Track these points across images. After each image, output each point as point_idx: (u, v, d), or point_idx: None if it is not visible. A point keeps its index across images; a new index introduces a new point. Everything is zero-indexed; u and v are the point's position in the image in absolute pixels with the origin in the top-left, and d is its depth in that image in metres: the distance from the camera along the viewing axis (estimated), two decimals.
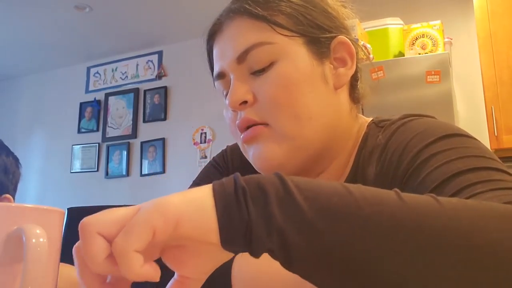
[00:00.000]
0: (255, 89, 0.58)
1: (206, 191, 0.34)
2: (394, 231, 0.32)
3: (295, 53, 0.58)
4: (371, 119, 0.65)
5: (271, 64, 0.57)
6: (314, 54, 0.59)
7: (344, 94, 0.63)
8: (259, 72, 0.58)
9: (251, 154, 0.59)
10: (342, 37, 0.61)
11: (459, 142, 0.49)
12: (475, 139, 0.51)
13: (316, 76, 0.58)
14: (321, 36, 0.60)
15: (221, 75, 0.61)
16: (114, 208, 0.35)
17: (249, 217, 0.32)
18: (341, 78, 0.61)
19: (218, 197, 0.33)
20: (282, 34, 0.57)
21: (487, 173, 0.43)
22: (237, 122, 0.59)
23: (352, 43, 0.62)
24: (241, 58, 0.58)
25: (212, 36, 0.64)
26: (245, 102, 0.58)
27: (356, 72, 0.64)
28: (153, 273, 0.32)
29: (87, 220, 0.32)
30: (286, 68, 0.57)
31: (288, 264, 0.33)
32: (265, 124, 0.57)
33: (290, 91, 0.56)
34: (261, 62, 0.57)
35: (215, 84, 0.64)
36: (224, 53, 0.60)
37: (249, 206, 0.32)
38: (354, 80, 0.65)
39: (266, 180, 0.34)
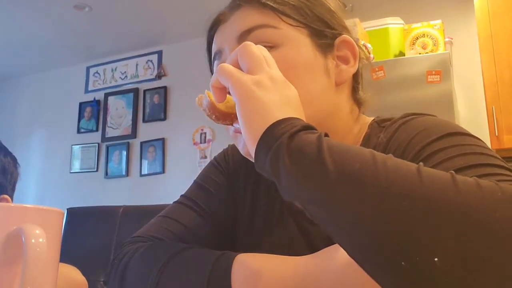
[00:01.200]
0: None
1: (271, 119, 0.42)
2: (408, 209, 0.34)
3: (298, 40, 0.59)
4: (372, 118, 0.65)
5: (272, 47, 0.57)
6: (318, 46, 0.60)
7: (345, 93, 0.63)
8: None
9: (241, 145, 0.58)
10: (346, 36, 0.62)
11: (461, 140, 0.49)
12: (476, 137, 0.51)
13: (318, 66, 0.59)
14: (325, 30, 0.61)
15: (219, 54, 0.62)
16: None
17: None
18: (343, 75, 0.61)
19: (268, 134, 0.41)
20: (287, 23, 0.59)
21: (489, 169, 0.43)
22: None
23: (357, 44, 0.63)
24: (243, 36, 0.58)
25: (215, 25, 0.64)
26: None
27: (357, 75, 0.64)
28: None
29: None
30: (288, 52, 0.57)
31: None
32: None
33: (289, 74, 0.54)
34: (262, 43, 0.56)
35: (213, 65, 0.63)
36: (225, 33, 0.61)
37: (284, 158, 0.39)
38: (355, 83, 0.65)
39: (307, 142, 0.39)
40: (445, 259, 0.32)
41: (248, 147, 0.44)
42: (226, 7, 0.63)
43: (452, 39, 2.58)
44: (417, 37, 2.39)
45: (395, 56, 2.41)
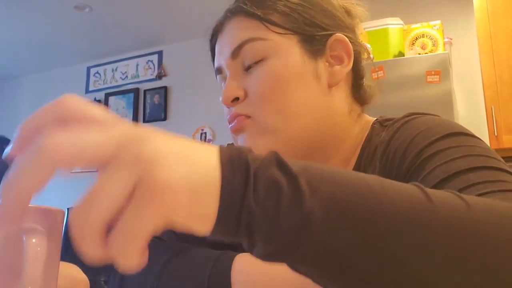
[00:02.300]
0: (246, 85, 0.59)
1: (212, 174, 0.28)
2: (420, 235, 0.29)
3: (286, 50, 0.58)
4: (375, 118, 0.65)
5: (262, 60, 0.58)
6: (308, 51, 0.59)
7: (340, 94, 0.62)
8: (251, 67, 0.59)
9: (238, 144, 0.60)
10: (339, 35, 0.61)
11: (463, 141, 0.49)
12: (478, 138, 0.50)
13: (306, 74, 0.59)
14: (316, 34, 0.60)
15: (219, 71, 0.64)
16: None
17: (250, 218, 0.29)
18: (336, 76, 0.61)
19: (225, 190, 0.28)
20: (275, 32, 0.58)
21: (489, 173, 0.43)
22: (227, 116, 0.61)
23: (352, 41, 0.62)
24: (235, 53, 0.60)
25: (214, 35, 0.66)
26: (237, 98, 0.59)
27: (358, 71, 0.64)
28: None
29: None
30: (275, 64, 0.58)
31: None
32: (249, 117, 0.58)
33: (276, 87, 0.57)
34: (253, 57, 0.58)
35: (217, 79, 0.66)
36: (222, 50, 0.62)
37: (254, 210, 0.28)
38: (356, 80, 0.64)
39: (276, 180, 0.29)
40: None
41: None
42: (221, 17, 0.64)
43: (451, 39, 2.58)
44: (416, 38, 2.39)
45: (395, 56, 2.41)
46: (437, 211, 0.30)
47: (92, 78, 4.11)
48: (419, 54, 2.36)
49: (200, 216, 0.28)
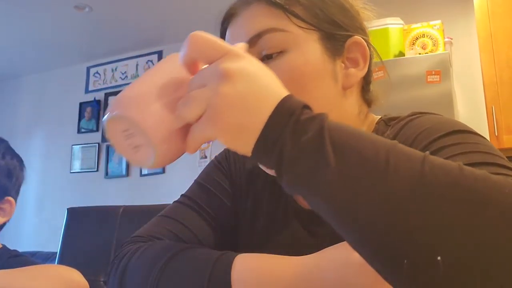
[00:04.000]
0: None
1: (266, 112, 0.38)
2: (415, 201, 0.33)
3: (307, 46, 0.57)
4: (379, 117, 0.65)
5: (281, 53, 0.56)
6: (327, 50, 0.58)
7: (353, 96, 0.62)
8: (268, 58, 0.57)
9: None
10: (358, 37, 0.60)
11: (467, 138, 0.49)
12: (482, 136, 0.50)
13: (325, 73, 0.58)
14: (336, 33, 0.59)
15: None
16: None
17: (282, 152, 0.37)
18: (351, 79, 0.60)
19: (271, 123, 0.38)
20: (297, 25, 0.57)
21: (489, 169, 0.42)
22: None
23: (367, 45, 0.61)
24: (253, 41, 0.57)
25: (226, 19, 0.63)
26: None
27: (368, 74, 0.63)
28: None
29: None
30: (296, 59, 0.56)
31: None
32: None
33: (295, 84, 0.55)
34: (272, 48, 0.56)
35: None
36: (236, 36, 0.60)
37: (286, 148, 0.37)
38: (366, 83, 0.64)
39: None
40: (448, 257, 0.31)
41: (235, 140, 0.40)
42: (239, 1, 0.61)
43: (451, 39, 2.58)
44: (416, 37, 2.39)
45: (395, 56, 2.41)
46: (425, 174, 0.34)
47: (91, 78, 4.11)
48: (420, 54, 2.36)
49: (245, 143, 0.39)
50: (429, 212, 0.32)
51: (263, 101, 0.38)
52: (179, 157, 0.45)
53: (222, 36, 0.64)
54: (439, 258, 0.31)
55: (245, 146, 0.39)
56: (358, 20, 0.63)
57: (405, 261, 0.32)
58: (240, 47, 0.46)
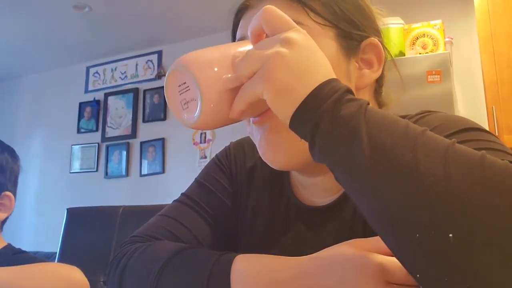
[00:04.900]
0: None
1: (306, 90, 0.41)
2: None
3: (323, 41, 0.56)
4: None
5: None
6: (343, 48, 0.58)
7: (365, 97, 0.61)
8: None
9: (258, 137, 0.57)
10: (373, 39, 0.60)
11: (478, 135, 0.48)
12: (493, 134, 0.50)
13: (340, 70, 0.57)
14: (353, 32, 0.59)
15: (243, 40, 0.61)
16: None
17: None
18: (364, 80, 0.59)
19: (307, 106, 0.40)
20: (315, 20, 0.56)
21: None
22: None
23: (384, 47, 0.61)
24: None
25: (241, 10, 0.62)
26: None
27: (381, 77, 0.62)
28: None
29: None
30: None
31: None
32: None
33: None
34: None
35: None
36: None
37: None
38: (378, 85, 0.63)
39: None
40: (460, 237, 0.33)
41: (277, 102, 0.42)
42: None
43: (452, 39, 2.58)
44: (417, 37, 2.39)
45: (395, 56, 2.40)
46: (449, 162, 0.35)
47: (91, 78, 4.11)
48: (420, 53, 2.36)
49: (288, 105, 0.41)
50: (445, 192, 0.34)
51: (314, 73, 0.41)
52: (221, 125, 0.49)
53: (234, 27, 0.63)
54: (450, 235, 0.33)
55: (287, 108, 0.41)
56: (374, 22, 0.62)
57: (417, 235, 0.34)
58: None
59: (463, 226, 0.33)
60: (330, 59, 0.55)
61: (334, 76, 0.43)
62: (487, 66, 2.32)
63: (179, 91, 0.47)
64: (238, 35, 0.61)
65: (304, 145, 0.55)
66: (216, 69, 0.45)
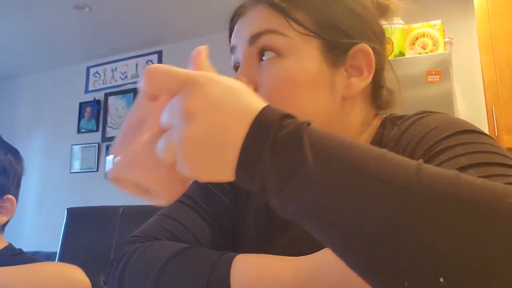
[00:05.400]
0: (257, 79, 0.57)
1: (243, 126, 0.36)
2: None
3: (305, 53, 0.56)
4: (385, 116, 0.64)
5: (278, 57, 0.56)
6: (327, 58, 0.57)
7: (355, 105, 0.60)
8: (265, 60, 0.57)
9: None
10: (363, 45, 0.58)
11: (475, 138, 0.48)
12: (490, 137, 0.50)
13: (321, 82, 0.56)
14: (339, 40, 0.57)
15: (233, 50, 0.62)
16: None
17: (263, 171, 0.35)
18: (352, 89, 0.58)
19: (249, 143, 0.35)
20: (297, 30, 0.56)
21: (494, 169, 0.42)
22: None
23: (376, 52, 0.59)
24: (253, 40, 0.58)
25: (234, 17, 0.63)
26: None
27: (379, 81, 0.61)
28: None
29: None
30: (291, 66, 0.56)
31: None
32: None
33: (287, 91, 0.55)
34: (271, 48, 0.56)
35: (231, 59, 0.64)
36: (240, 33, 0.61)
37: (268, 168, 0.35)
38: (375, 88, 0.62)
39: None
40: (451, 277, 0.29)
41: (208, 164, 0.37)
42: (247, 1, 0.61)
43: (452, 39, 2.58)
44: (417, 37, 2.39)
45: (395, 56, 2.40)
46: (422, 180, 0.31)
47: (91, 78, 4.11)
48: (420, 54, 2.36)
49: (225, 176, 0.37)
50: (426, 227, 0.30)
51: (232, 130, 0.35)
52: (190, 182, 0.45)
53: (230, 33, 0.65)
54: (441, 279, 0.29)
55: (226, 179, 0.37)
56: (369, 25, 0.60)
57: (406, 283, 0.30)
58: (202, 49, 0.44)
59: (453, 267, 0.29)
60: (311, 71, 0.56)
61: (257, 109, 0.36)
62: (487, 66, 2.32)
63: (133, 185, 0.43)
64: (231, 43, 0.63)
65: None
66: (146, 158, 0.40)
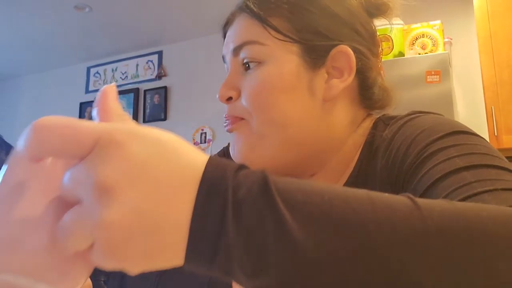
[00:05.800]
0: (242, 86, 0.59)
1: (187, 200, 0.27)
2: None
3: (283, 58, 0.57)
4: (377, 116, 0.64)
5: (259, 64, 0.57)
6: (306, 62, 0.57)
7: (340, 106, 0.60)
8: (249, 68, 0.58)
9: (231, 142, 0.61)
10: (343, 47, 0.58)
11: (465, 139, 0.48)
12: (482, 137, 0.50)
13: (300, 86, 0.57)
14: (318, 43, 0.58)
15: (224, 59, 0.64)
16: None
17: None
18: (331, 90, 0.58)
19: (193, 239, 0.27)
20: (275, 37, 0.57)
21: (487, 171, 0.42)
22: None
23: (358, 52, 0.59)
24: (236, 51, 0.59)
25: (226, 24, 0.65)
26: (231, 98, 0.59)
27: (366, 81, 0.61)
28: None
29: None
30: (269, 72, 0.57)
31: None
32: (242, 118, 0.59)
33: (266, 96, 0.56)
34: (252, 59, 0.58)
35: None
36: (227, 43, 0.62)
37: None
38: (363, 90, 0.62)
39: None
40: None
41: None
42: (234, 8, 0.63)
43: (451, 39, 2.58)
44: (416, 38, 2.39)
45: (395, 56, 2.41)
46: (426, 219, 0.28)
47: (92, 78, 4.11)
48: (419, 54, 2.36)
49: (164, 259, 0.27)
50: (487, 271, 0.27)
51: (173, 202, 0.27)
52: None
53: (224, 38, 0.66)
54: None
55: (172, 265, 0.28)
56: (352, 25, 0.60)
57: None
58: (109, 89, 0.34)
59: None
60: (288, 75, 0.57)
61: (202, 158, 0.29)
62: (487, 66, 2.32)
63: None
64: (222, 52, 0.64)
65: (273, 152, 0.56)
66: (37, 249, 0.28)
